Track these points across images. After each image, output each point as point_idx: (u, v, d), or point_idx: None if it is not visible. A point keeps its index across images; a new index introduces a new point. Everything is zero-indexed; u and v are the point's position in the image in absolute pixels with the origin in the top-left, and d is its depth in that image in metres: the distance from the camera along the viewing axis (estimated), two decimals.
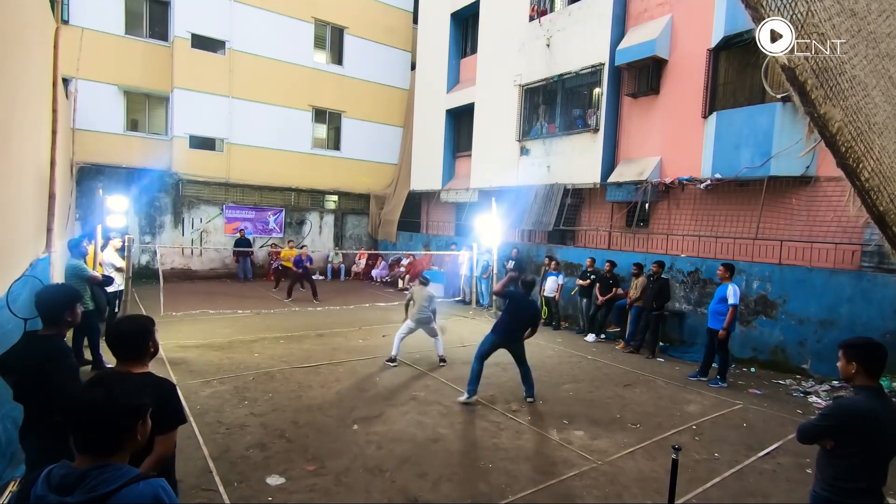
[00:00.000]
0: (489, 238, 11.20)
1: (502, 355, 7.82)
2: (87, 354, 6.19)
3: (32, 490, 1.26)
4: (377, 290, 14.46)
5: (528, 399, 5.82)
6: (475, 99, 13.84)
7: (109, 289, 7.63)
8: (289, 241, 14.68)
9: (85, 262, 6.94)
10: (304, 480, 3.86)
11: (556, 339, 9.26)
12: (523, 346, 5.89)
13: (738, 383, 6.99)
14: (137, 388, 1.39)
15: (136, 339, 2.17)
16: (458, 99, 14.66)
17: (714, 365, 7.11)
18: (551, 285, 10.18)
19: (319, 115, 16.82)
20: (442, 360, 7.24)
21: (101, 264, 7.46)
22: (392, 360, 7.08)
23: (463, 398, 5.69)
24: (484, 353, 5.84)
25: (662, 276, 8.26)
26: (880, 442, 2.29)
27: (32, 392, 2.49)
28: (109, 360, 5.89)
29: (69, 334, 5.35)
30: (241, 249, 14.79)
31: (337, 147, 17.37)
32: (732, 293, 6.69)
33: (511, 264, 11.39)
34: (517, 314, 5.81)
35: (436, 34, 15.58)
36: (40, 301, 2.56)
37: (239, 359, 6.96)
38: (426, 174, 15.98)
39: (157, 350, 2.27)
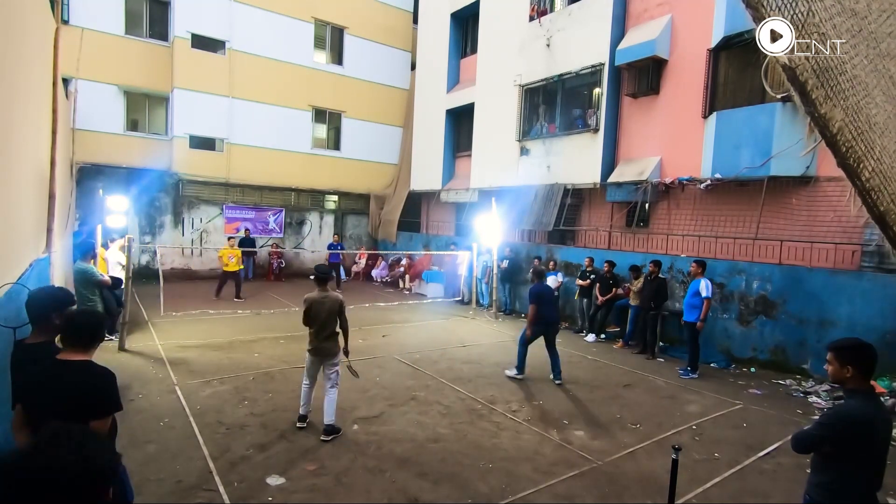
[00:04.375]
0: (489, 238, 11.19)
1: (502, 356, 7.85)
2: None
3: None
4: (377, 290, 14.46)
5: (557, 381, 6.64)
6: (475, 99, 13.84)
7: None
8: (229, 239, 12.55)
9: (95, 263, 6.99)
10: (304, 480, 3.86)
11: (556, 339, 9.24)
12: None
13: (739, 383, 7.00)
14: (101, 448, 1.14)
15: (94, 329, 2.32)
16: (458, 99, 14.66)
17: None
18: (552, 284, 10.17)
19: (319, 115, 16.82)
20: (328, 430, 4.57)
21: (105, 258, 7.49)
22: (302, 418, 4.82)
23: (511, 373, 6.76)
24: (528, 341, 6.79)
25: (660, 275, 8.28)
26: (875, 447, 2.27)
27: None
28: (101, 361, 5.88)
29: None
30: (245, 249, 14.79)
31: (337, 147, 17.36)
32: (705, 287, 7.11)
33: (505, 264, 11.37)
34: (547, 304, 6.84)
35: (436, 34, 15.58)
36: (28, 305, 2.54)
37: (239, 359, 6.96)
38: (426, 174, 15.97)
39: (101, 341, 2.43)
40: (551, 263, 10.40)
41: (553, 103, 11.82)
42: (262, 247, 15.71)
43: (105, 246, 8.03)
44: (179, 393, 5.50)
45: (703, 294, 7.05)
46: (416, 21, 17.62)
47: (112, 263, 7.69)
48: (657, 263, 8.33)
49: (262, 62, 15.28)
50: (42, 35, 5.45)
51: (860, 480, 2.29)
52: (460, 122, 15.13)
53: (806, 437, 2.37)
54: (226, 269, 11.68)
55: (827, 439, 2.29)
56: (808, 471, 2.49)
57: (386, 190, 17.86)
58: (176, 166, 14.36)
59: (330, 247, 14.32)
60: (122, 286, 7.20)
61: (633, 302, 8.64)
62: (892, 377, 6.16)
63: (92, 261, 6.66)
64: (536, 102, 12.19)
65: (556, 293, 7.09)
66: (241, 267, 11.80)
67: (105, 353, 6.19)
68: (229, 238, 12.67)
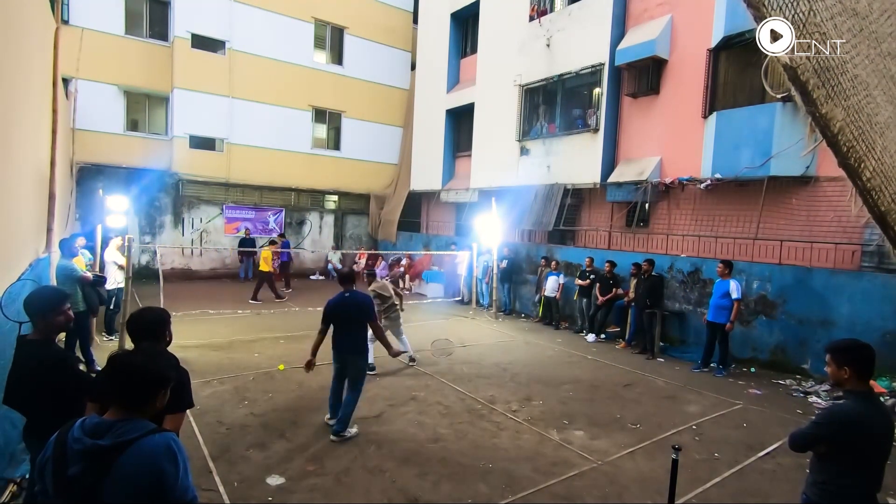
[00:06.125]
0: (489, 238, 11.19)
1: (501, 355, 7.85)
2: (78, 353, 6.15)
3: (69, 434, 1.53)
4: None
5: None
6: (475, 99, 13.83)
7: (110, 286, 7.66)
8: (271, 242, 13.03)
9: (91, 261, 6.98)
10: (304, 480, 3.86)
11: (556, 339, 9.26)
12: (364, 358, 4.83)
13: (738, 383, 6.99)
14: (168, 363, 1.74)
15: (156, 325, 2.40)
16: (458, 99, 14.66)
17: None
18: (552, 285, 10.19)
19: (319, 115, 16.81)
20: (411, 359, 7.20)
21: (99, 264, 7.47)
22: (413, 359, 7.21)
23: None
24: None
25: (653, 273, 8.34)
26: (872, 447, 2.27)
27: (28, 397, 2.49)
28: (101, 362, 5.87)
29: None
30: (245, 249, 14.80)
31: (337, 147, 17.36)
32: (736, 288, 7.15)
33: (505, 264, 11.37)
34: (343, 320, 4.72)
35: (436, 34, 15.57)
36: (26, 305, 2.55)
37: (239, 359, 6.96)
38: (426, 174, 15.97)
39: (171, 340, 2.50)
40: (553, 263, 10.39)
41: (553, 103, 11.82)
42: (261, 247, 15.69)
43: (104, 245, 8.02)
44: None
45: (734, 296, 7.14)
46: (416, 21, 17.62)
47: (109, 263, 7.67)
48: (650, 262, 8.41)
49: (262, 62, 15.27)
50: (42, 35, 5.45)
51: (857, 480, 2.29)
52: (460, 122, 15.13)
53: (801, 436, 2.39)
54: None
55: (821, 438, 2.31)
56: (808, 470, 2.50)
57: (386, 190, 17.86)
58: (176, 166, 14.35)
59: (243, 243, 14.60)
60: (104, 284, 7.19)
61: (632, 301, 8.69)
62: (892, 377, 6.16)
63: (76, 258, 6.62)
64: (536, 102, 12.19)
65: (375, 306, 5.24)
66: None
67: (104, 354, 6.18)
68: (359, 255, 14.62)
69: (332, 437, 4.55)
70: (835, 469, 2.31)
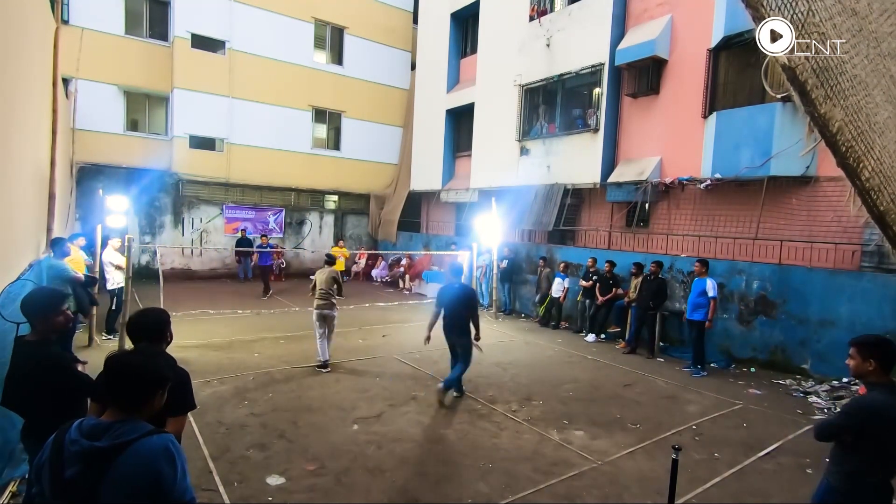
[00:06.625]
0: (489, 238, 11.18)
1: (502, 355, 7.85)
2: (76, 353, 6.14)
3: (66, 436, 1.52)
4: (377, 290, 14.46)
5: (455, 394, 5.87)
6: (475, 99, 13.83)
7: (110, 286, 7.67)
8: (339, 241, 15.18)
9: (90, 262, 6.96)
10: (304, 480, 3.86)
11: (556, 339, 9.26)
12: (466, 338, 5.74)
13: (738, 383, 6.99)
14: (166, 363, 1.76)
15: (157, 326, 2.40)
16: (458, 99, 14.66)
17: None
18: (557, 286, 10.15)
19: (319, 115, 16.81)
20: (322, 365, 6.58)
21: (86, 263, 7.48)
22: (323, 365, 6.62)
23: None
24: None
25: (660, 276, 8.30)
26: (894, 437, 2.36)
27: (26, 398, 2.49)
28: (99, 362, 5.84)
29: None
30: (242, 249, 14.79)
31: (337, 147, 17.36)
32: (712, 286, 7.27)
33: (505, 263, 11.36)
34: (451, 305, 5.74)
35: (436, 34, 15.57)
36: (23, 305, 2.55)
37: (239, 359, 6.96)
38: (426, 174, 15.97)
39: (171, 339, 2.50)
40: (562, 266, 10.33)
41: (553, 103, 11.82)
42: (259, 246, 15.69)
43: (104, 245, 8.02)
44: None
45: (710, 294, 7.20)
46: (416, 21, 17.62)
47: (107, 264, 7.67)
48: (658, 264, 8.37)
49: (262, 62, 15.27)
50: (42, 35, 5.46)
51: (878, 468, 2.40)
52: (460, 122, 15.13)
53: (829, 425, 2.50)
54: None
55: (850, 428, 2.41)
56: (827, 459, 2.60)
57: (386, 190, 17.86)
58: (176, 166, 14.35)
59: (258, 246, 14.31)
60: (95, 285, 7.19)
61: (631, 297, 8.67)
62: (892, 376, 6.15)
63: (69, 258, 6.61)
64: (536, 102, 12.19)
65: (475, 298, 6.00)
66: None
67: (103, 354, 6.18)
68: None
69: (454, 394, 5.79)
70: (857, 457, 2.42)
